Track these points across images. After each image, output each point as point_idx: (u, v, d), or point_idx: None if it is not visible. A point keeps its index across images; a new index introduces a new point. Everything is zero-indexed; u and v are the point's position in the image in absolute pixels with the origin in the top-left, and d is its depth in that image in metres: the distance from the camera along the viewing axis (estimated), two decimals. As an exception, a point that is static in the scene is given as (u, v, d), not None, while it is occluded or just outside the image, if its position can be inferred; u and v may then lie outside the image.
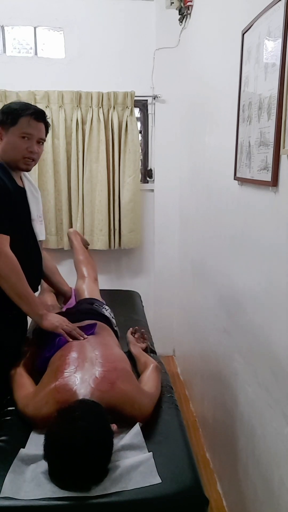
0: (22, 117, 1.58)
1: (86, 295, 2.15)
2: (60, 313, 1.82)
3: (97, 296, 2.16)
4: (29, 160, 1.63)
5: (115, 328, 1.91)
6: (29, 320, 1.79)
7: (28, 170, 1.68)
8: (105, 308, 2.01)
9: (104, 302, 2.09)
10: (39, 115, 1.63)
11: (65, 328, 1.64)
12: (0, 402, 1.52)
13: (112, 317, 1.99)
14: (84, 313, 1.94)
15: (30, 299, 1.59)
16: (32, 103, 2.74)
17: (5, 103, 2.76)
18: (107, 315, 1.97)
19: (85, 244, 2.47)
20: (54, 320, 1.64)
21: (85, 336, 1.66)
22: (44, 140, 1.69)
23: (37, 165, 2.84)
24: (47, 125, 1.68)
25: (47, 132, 1.69)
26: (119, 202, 3.01)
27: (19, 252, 1.56)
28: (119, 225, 3.05)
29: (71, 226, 3.03)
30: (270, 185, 1.30)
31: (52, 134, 2.85)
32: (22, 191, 1.70)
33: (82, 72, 2.89)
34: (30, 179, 1.77)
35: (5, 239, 1.52)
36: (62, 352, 1.56)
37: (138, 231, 3.08)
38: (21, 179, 1.72)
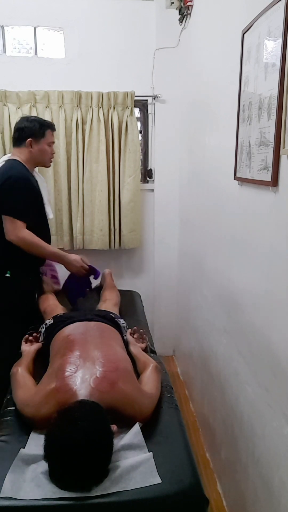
0: (47, 130, 2.21)
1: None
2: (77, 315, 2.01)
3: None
4: (52, 160, 2.32)
5: (125, 338, 1.92)
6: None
7: (50, 166, 2.39)
8: (120, 320, 2.03)
9: (120, 317, 2.11)
10: (54, 128, 2.29)
11: (80, 271, 2.29)
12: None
13: (125, 328, 1.99)
14: (97, 315, 1.96)
15: (56, 255, 2.23)
16: (32, 103, 2.79)
17: (5, 103, 2.78)
18: (119, 323, 1.98)
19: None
20: (76, 267, 2.27)
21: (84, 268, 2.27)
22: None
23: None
24: None
25: None
26: (119, 202, 3.01)
27: (39, 228, 2.16)
28: (119, 225, 3.04)
29: (71, 226, 3.03)
30: (270, 185, 1.30)
31: (52, 134, 2.86)
32: (37, 182, 2.29)
33: (82, 72, 2.89)
34: (37, 172, 2.36)
35: (21, 225, 2.05)
36: (64, 351, 1.57)
37: (139, 231, 3.07)
38: (33, 174, 2.29)
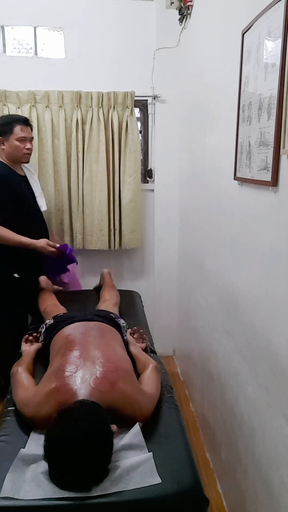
0: (15, 126, 2.26)
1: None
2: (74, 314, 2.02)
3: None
4: (27, 155, 2.34)
5: (124, 337, 1.92)
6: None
7: (28, 162, 2.40)
8: (120, 320, 2.03)
9: (120, 317, 2.11)
10: (27, 122, 2.32)
11: (52, 254, 2.36)
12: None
13: (125, 328, 1.99)
14: (97, 315, 1.96)
15: (22, 243, 2.25)
16: (32, 103, 2.79)
17: (5, 103, 2.79)
18: (119, 323, 1.98)
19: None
20: (45, 252, 2.32)
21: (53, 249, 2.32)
22: (33, 138, 2.38)
23: (37, 165, 2.86)
24: (32, 127, 2.39)
25: (32, 130, 2.40)
26: (119, 202, 3.00)
27: (28, 220, 2.33)
28: (120, 225, 3.04)
29: (71, 226, 3.02)
30: (270, 185, 1.30)
31: (52, 134, 2.85)
32: (24, 178, 2.43)
33: (82, 72, 2.89)
34: (27, 167, 2.49)
35: None
36: (64, 350, 1.57)
37: (139, 231, 3.07)
38: (22, 169, 2.43)
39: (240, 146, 1.59)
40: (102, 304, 2.30)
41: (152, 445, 1.27)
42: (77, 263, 2.58)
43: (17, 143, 2.26)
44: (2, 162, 2.31)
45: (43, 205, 2.50)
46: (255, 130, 1.42)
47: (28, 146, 2.31)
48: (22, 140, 2.27)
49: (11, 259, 2.30)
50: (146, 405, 1.41)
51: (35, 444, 1.27)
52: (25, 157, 2.34)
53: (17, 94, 2.77)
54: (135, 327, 2.01)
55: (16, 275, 2.34)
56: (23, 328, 2.09)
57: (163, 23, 2.83)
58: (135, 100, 2.87)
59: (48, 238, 2.48)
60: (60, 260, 2.52)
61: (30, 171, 2.52)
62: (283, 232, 1.24)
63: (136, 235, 3.06)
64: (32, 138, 2.37)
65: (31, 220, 2.39)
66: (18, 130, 2.26)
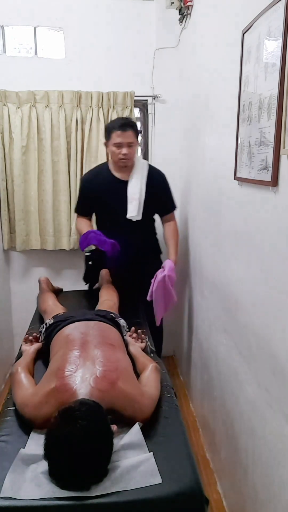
0: (112, 132, 2.29)
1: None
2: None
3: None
4: (123, 160, 2.34)
5: (124, 337, 1.92)
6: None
7: (126, 166, 2.38)
8: (120, 320, 2.03)
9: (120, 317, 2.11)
10: (124, 127, 2.28)
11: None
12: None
13: (126, 329, 1.99)
14: (97, 314, 1.97)
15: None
16: (32, 103, 2.78)
17: (5, 103, 2.79)
18: (119, 323, 1.98)
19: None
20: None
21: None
22: (133, 143, 2.33)
23: (36, 165, 2.86)
24: (135, 130, 2.34)
25: (137, 134, 2.37)
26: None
27: (113, 222, 2.46)
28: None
29: (70, 227, 3.02)
30: (270, 185, 1.30)
31: (51, 134, 2.85)
32: (123, 182, 2.41)
33: (82, 72, 2.89)
34: (138, 172, 2.42)
35: (77, 216, 2.60)
36: (64, 350, 1.57)
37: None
38: (130, 172, 2.42)
39: (240, 146, 1.60)
40: (101, 304, 2.30)
41: (152, 445, 1.27)
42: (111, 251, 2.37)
43: (113, 148, 2.31)
44: (106, 164, 2.47)
45: (131, 211, 2.40)
46: (255, 130, 1.42)
47: (124, 151, 2.30)
48: (118, 146, 2.30)
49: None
50: (146, 405, 1.41)
51: (35, 444, 1.27)
52: (121, 162, 2.35)
53: (17, 94, 2.76)
54: (132, 328, 2.01)
55: (90, 263, 2.56)
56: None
57: (163, 23, 2.83)
58: (135, 100, 2.87)
59: (130, 246, 2.43)
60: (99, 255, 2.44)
61: (135, 176, 2.44)
62: (283, 232, 1.24)
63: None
64: (131, 142, 2.32)
65: (113, 224, 2.46)
66: (114, 136, 2.29)
